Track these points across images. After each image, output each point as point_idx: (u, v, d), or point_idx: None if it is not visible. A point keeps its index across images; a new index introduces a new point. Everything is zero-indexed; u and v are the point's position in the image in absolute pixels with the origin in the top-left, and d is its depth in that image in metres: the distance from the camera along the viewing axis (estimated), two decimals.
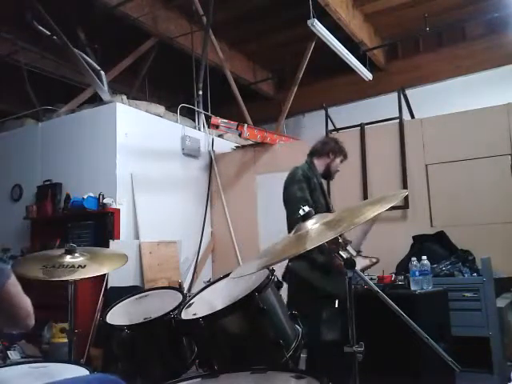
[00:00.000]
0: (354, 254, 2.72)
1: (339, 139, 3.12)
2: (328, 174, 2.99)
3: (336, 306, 2.50)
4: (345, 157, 3.04)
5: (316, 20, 4.91)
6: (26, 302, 1.21)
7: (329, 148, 2.95)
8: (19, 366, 1.75)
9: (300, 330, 1.75)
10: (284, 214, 2.73)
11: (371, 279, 3.18)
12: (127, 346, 1.87)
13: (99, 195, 4.41)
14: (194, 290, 4.60)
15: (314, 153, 2.99)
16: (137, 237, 4.59)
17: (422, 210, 4.41)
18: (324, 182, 3.06)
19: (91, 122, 4.80)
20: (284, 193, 2.80)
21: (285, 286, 2.78)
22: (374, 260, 2.87)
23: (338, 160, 2.97)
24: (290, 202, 2.68)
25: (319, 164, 2.95)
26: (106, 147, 4.62)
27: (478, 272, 3.43)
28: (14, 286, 1.18)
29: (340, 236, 2.63)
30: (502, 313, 3.19)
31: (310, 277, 2.61)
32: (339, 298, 2.48)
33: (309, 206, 2.60)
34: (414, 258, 3.16)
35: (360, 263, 2.70)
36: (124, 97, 4.95)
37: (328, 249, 1.47)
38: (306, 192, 2.72)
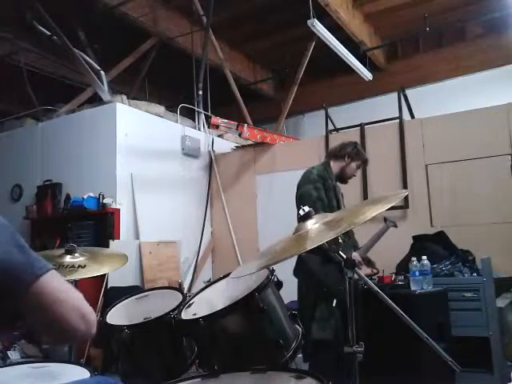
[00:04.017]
0: (360, 260, 2.74)
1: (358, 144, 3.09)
2: (342, 178, 2.97)
3: (334, 305, 2.52)
4: (364, 163, 3.02)
5: (316, 20, 4.90)
6: (75, 306, 0.87)
7: (345, 152, 2.94)
8: (19, 366, 1.75)
9: (300, 330, 1.75)
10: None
11: (371, 279, 3.18)
12: (127, 346, 1.87)
13: (99, 195, 4.41)
14: (194, 290, 4.60)
15: (331, 154, 3.00)
16: (137, 237, 4.59)
17: (422, 209, 4.41)
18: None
19: (91, 122, 4.80)
20: (297, 192, 2.82)
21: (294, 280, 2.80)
22: (375, 271, 2.91)
23: (353, 165, 2.95)
24: (305, 201, 2.66)
25: (335, 166, 2.94)
26: (106, 147, 4.62)
27: (478, 272, 3.43)
28: (51, 287, 0.85)
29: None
30: (501, 313, 3.19)
31: (318, 270, 2.63)
32: (338, 297, 2.49)
33: (323, 206, 2.64)
34: (414, 258, 3.16)
35: (362, 270, 2.72)
36: (124, 97, 4.95)
37: (329, 248, 1.47)
38: (321, 192, 2.74)
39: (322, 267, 2.60)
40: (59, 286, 0.87)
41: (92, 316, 0.89)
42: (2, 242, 0.82)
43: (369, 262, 2.91)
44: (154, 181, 4.93)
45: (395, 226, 2.87)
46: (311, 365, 2.60)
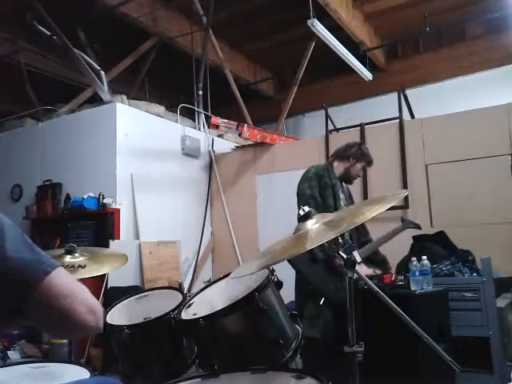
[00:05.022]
0: (359, 260, 2.73)
1: (364, 145, 3.10)
2: (347, 178, 2.97)
3: (321, 303, 2.52)
4: (368, 163, 3.01)
5: (316, 20, 4.90)
6: (83, 301, 0.88)
7: (350, 152, 2.94)
8: (19, 366, 1.75)
9: (300, 329, 1.75)
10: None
11: (371, 279, 3.18)
12: (127, 346, 1.87)
13: (99, 195, 4.41)
14: (194, 290, 4.60)
15: (336, 155, 3.00)
16: (137, 237, 4.59)
17: (422, 209, 4.41)
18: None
19: (91, 121, 4.80)
20: (297, 191, 2.85)
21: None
22: (378, 272, 2.90)
23: (358, 166, 2.95)
24: (299, 199, 2.76)
25: (338, 166, 2.95)
26: (106, 147, 4.62)
27: (478, 272, 3.43)
28: (59, 283, 0.85)
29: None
30: (502, 313, 3.19)
31: (305, 269, 2.64)
32: (326, 296, 2.50)
33: (316, 204, 2.65)
34: (414, 258, 3.15)
35: (362, 271, 2.72)
36: (124, 97, 4.95)
37: (329, 249, 1.47)
38: (314, 190, 2.76)
39: (309, 266, 2.62)
40: (67, 282, 0.88)
41: (100, 310, 0.91)
42: (12, 241, 0.84)
43: (378, 262, 2.91)
44: (154, 181, 4.93)
45: (417, 227, 2.84)
46: (304, 362, 2.61)
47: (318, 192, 2.76)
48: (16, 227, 0.88)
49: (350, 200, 3.03)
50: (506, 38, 6.33)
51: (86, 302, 0.88)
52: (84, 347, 3.71)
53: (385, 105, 5.54)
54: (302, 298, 2.72)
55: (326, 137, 5.09)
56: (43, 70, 6.33)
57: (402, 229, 2.85)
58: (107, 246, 4.11)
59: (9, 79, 6.02)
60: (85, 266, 2.08)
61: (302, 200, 2.72)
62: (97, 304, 0.91)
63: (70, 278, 0.91)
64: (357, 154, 2.94)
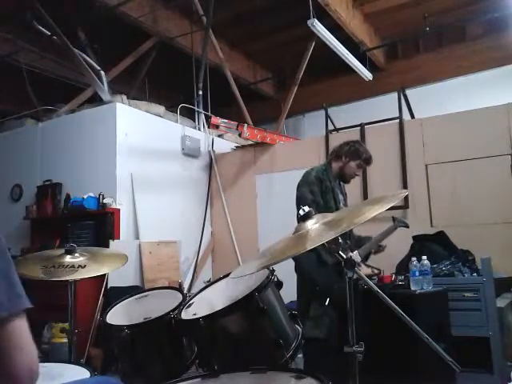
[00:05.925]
0: (359, 260, 2.73)
1: (362, 143, 3.10)
2: (343, 177, 2.95)
3: (326, 303, 2.52)
4: (365, 162, 2.95)
5: (316, 20, 4.90)
6: (27, 357, 0.81)
7: (343, 151, 2.91)
8: None
9: (300, 329, 1.75)
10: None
11: (371, 279, 3.18)
12: (127, 346, 1.87)
13: (99, 195, 4.41)
14: (194, 290, 4.60)
15: (333, 154, 2.99)
16: (137, 237, 4.59)
17: (422, 209, 4.41)
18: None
19: (91, 122, 4.80)
20: (296, 193, 2.83)
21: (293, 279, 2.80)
22: (376, 271, 2.89)
23: (352, 164, 2.91)
24: (300, 203, 2.72)
25: (335, 166, 2.93)
26: (106, 147, 4.62)
27: (478, 272, 3.43)
28: (13, 331, 0.79)
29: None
30: (502, 313, 3.19)
31: (311, 268, 2.64)
32: (331, 296, 2.50)
33: (318, 209, 2.64)
34: (414, 258, 3.16)
35: (362, 271, 2.72)
36: (124, 97, 4.95)
37: (329, 248, 1.46)
38: (316, 195, 2.74)
39: (315, 266, 2.61)
40: (23, 335, 0.82)
41: (37, 376, 0.84)
42: None
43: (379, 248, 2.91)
44: (154, 181, 4.93)
45: (406, 226, 2.85)
46: (306, 362, 2.61)
47: (319, 196, 2.75)
48: (6, 254, 0.81)
49: (345, 201, 3.02)
50: (505, 38, 6.33)
51: (31, 361, 0.81)
52: (84, 347, 3.71)
53: (385, 105, 5.53)
54: (306, 298, 2.71)
55: (326, 137, 5.09)
56: (43, 70, 6.32)
57: (394, 228, 2.85)
58: (107, 246, 4.11)
59: (9, 79, 6.02)
60: (85, 266, 2.09)
61: (302, 204, 2.70)
62: (38, 371, 0.84)
63: (27, 332, 0.83)
64: (349, 152, 2.91)
